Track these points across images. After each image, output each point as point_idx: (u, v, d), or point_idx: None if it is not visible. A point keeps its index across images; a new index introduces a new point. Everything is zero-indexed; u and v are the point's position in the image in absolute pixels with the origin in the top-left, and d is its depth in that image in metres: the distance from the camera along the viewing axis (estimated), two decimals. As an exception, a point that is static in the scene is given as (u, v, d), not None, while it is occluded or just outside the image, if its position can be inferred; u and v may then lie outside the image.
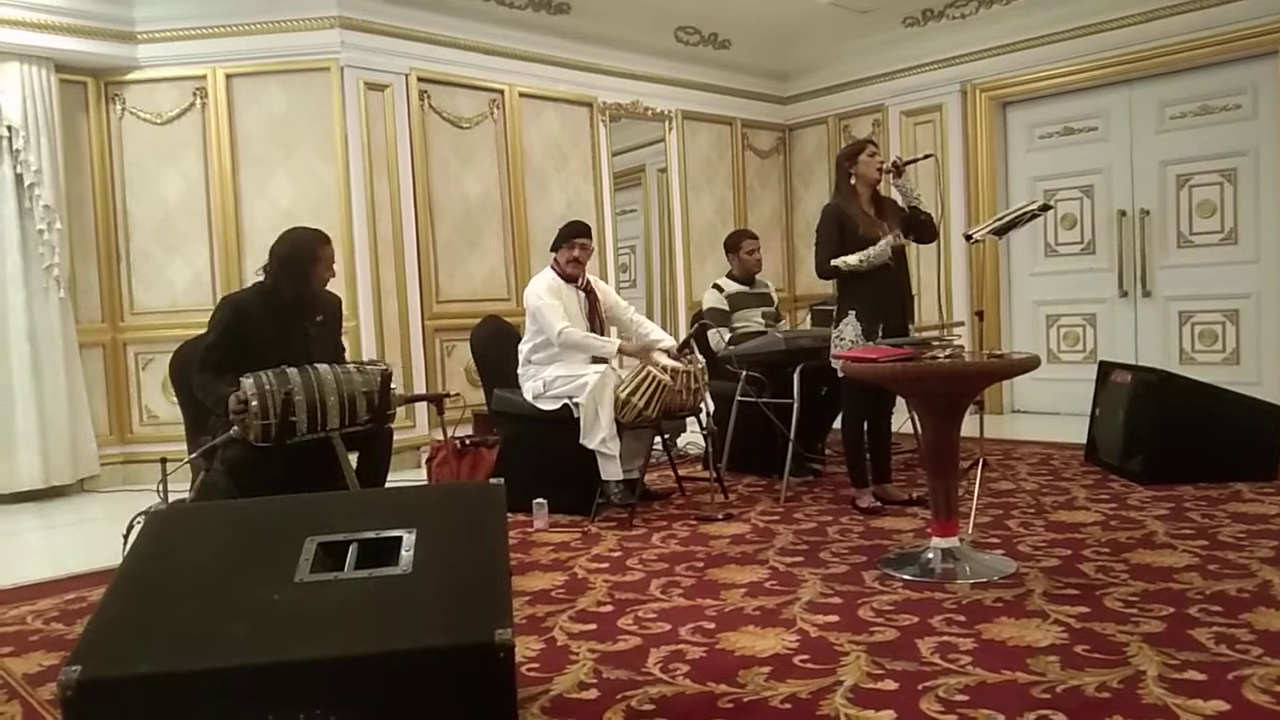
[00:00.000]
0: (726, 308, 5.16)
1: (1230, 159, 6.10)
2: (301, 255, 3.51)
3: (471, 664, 1.80)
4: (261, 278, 3.55)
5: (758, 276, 5.39)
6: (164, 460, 3.36)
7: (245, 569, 2.02)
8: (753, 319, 5.12)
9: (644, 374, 4.08)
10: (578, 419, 4.13)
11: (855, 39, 7.41)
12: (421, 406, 5.83)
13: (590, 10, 6.56)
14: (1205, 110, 6.19)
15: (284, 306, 3.50)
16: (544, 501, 4.11)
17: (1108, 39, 6.35)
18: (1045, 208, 4.19)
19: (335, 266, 3.65)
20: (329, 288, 3.76)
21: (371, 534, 2.11)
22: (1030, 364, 3.17)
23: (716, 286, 5.29)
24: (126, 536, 3.02)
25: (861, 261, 3.97)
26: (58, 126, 5.35)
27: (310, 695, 1.77)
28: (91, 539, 4.34)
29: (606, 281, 5.74)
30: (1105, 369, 5.00)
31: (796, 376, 4.47)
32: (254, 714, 1.75)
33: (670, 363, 4.15)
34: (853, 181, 4.14)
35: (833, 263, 4.04)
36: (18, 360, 5.25)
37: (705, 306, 5.29)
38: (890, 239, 3.99)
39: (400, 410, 4.03)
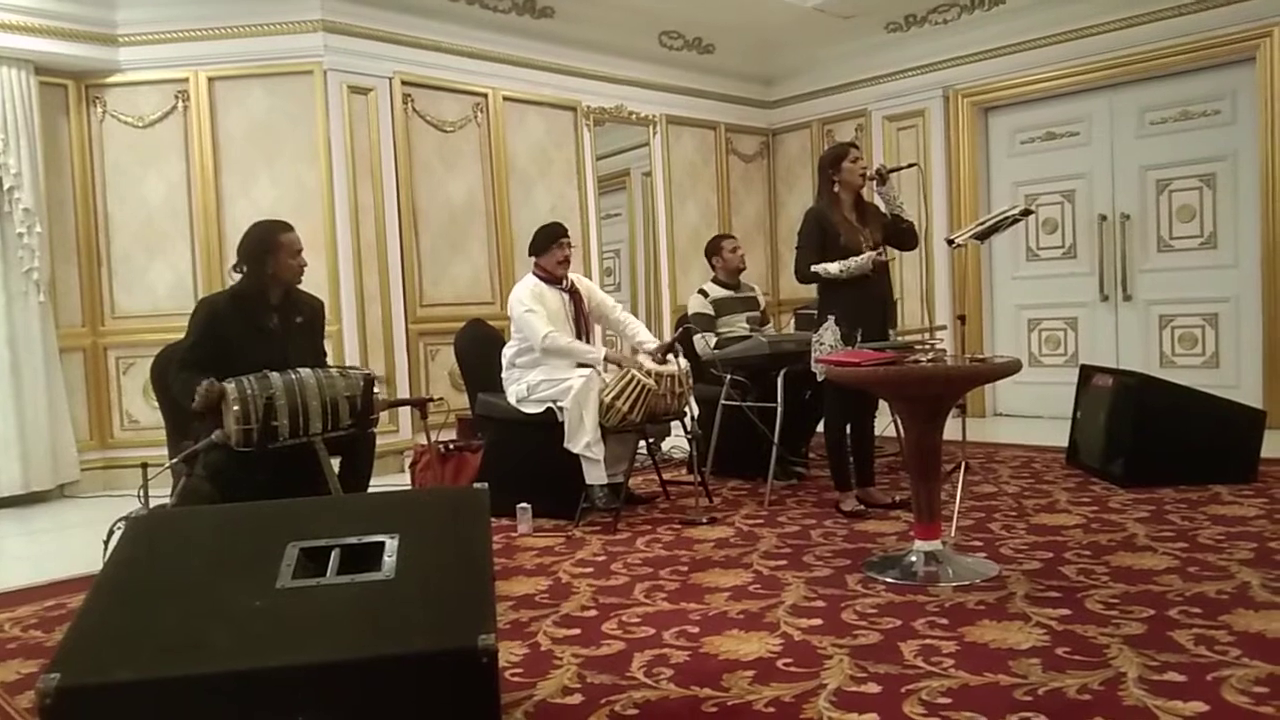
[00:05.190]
0: (712, 312, 5.15)
1: (1210, 164, 6.15)
2: (261, 245, 3.49)
3: (454, 669, 1.80)
4: (236, 278, 3.55)
5: (744, 280, 5.39)
6: (145, 465, 3.33)
7: (227, 575, 2.01)
8: (737, 324, 5.11)
9: (628, 378, 4.08)
10: (562, 423, 4.13)
11: (839, 44, 7.44)
12: (405, 411, 5.82)
13: (574, 14, 6.56)
14: (1185, 115, 6.24)
15: (257, 305, 3.49)
16: (528, 506, 4.10)
17: (1089, 44, 6.40)
18: (1026, 212, 4.23)
19: (305, 259, 3.57)
20: (311, 290, 3.74)
21: (354, 539, 2.10)
22: (1012, 368, 3.19)
23: (701, 291, 5.29)
24: (107, 542, 2.99)
25: (842, 271, 3.98)
26: (37, 129, 5.30)
27: (292, 701, 1.76)
28: (71, 545, 4.29)
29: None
30: (1086, 372, 5.03)
31: (780, 380, 4.49)
32: (235, 721, 1.74)
33: (655, 366, 4.15)
34: (836, 188, 4.14)
35: (813, 269, 4.05)
36: (-3, 365, 5.21)
37: (690, 311, 5.27)
38: (873, 254, 3.98)
39: (383, 415, 4.01)
